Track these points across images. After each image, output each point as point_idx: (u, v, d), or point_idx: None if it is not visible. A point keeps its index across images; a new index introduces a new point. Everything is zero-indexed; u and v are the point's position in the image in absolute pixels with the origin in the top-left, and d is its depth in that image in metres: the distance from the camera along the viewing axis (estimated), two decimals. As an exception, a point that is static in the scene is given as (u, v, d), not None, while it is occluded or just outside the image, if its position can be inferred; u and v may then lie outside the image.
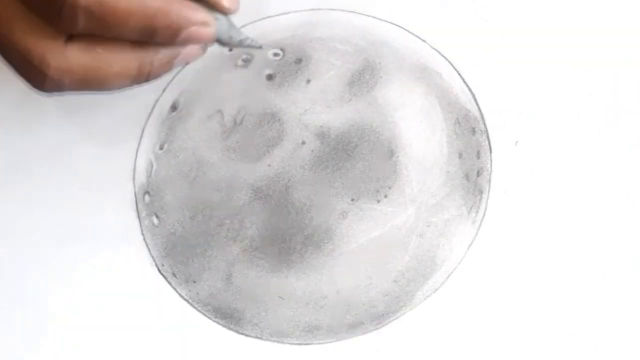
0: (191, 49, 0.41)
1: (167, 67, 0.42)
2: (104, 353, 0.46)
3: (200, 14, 0.40)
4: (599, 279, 0.46)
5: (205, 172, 0.48)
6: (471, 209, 0.47)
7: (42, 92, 0.41)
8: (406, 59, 0.48)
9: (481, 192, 0.47)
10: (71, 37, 0.40)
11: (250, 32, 0.48)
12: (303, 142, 0.48)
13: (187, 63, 0.42)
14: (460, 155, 0.47)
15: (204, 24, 0.40)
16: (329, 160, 0.47)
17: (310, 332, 0.46)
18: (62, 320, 0.47)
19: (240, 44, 0.42)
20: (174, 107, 0.49)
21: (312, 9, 0.49)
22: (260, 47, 0.43)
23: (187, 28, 0.39)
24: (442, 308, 0.46)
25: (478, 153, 0.47)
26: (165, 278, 0.47)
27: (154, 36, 0.39)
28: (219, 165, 0.48)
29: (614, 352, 0.45)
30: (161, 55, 0.41)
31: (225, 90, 0.48)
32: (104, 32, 0.39)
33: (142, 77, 0.41)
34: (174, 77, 0.49)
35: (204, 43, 0.41)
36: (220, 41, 0.41)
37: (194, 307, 0.47)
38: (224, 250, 0.47)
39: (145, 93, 0.48)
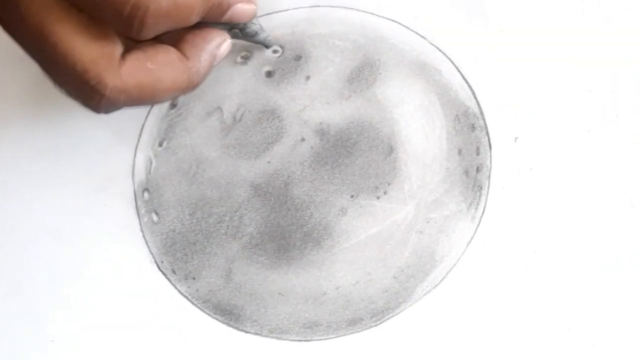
0: (225, 47, 0.43)
1: (208, 70, 0.43)
2: (103, 350, 0.46)
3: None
4: (597, 275, 0.46)
5: (204, 169, 0.48)
6: (470, 205, 0.47)
7: (96, 110, 0.40)
8: (405, 56, 0.48)
9: (481, 188, 0.47)
10: (123, 56, 0.40)
11: (250, 29, 0.49)
12: (302, 139, 0.48)
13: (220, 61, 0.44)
14: (459, 152, 0.47)
15: (249, 1, 0.43)
16: (329, 157, 0.47)
17: (310, 329, 0.46)
18: (61, 317, 0.47)
19: (261, 36, 0.46)
20: (173, 104, 0.49)
21: (311, 6, 0.49)
22: (269, 46, 0.48)
23: (235, 4, 0.42)
24: (442, 304, 0.46)
25: (477, 149, 0.47)
26: (165, 275, 0.47)
27: (207, 17, 0.41)
28: (218, 162, 0.48)
29: (611, 347, 0.45)
30: (204, 61, 0.42)
31: (224, 87, 0.48)
32: (172, 26, 0.39)
33: (191, 86, 0.42)
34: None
35: (246, 20, 0.44)
36: (246, 31, 0.45)
37: (193, 303, 0.47)
38: (223, 247, 0.47)
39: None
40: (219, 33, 0.43)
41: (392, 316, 0.46)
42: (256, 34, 0.46)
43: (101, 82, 0.38)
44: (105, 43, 0.39)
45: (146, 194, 0.48)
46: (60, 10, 0.38)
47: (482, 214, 0.47)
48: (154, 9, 0.37)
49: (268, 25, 0.48)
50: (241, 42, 0.48)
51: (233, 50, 0.49)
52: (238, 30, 0.45)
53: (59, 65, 0.38)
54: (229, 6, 0.42)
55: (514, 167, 0.47)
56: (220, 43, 0.43)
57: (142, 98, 0.40)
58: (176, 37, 0.42)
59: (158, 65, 0.40)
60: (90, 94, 0.39)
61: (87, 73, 0.38)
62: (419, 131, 0.47)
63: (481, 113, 0.48)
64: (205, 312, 0.47)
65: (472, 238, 0.47)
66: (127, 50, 0.40)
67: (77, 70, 0.38)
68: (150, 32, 0.38)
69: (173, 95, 0.42)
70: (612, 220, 0.46)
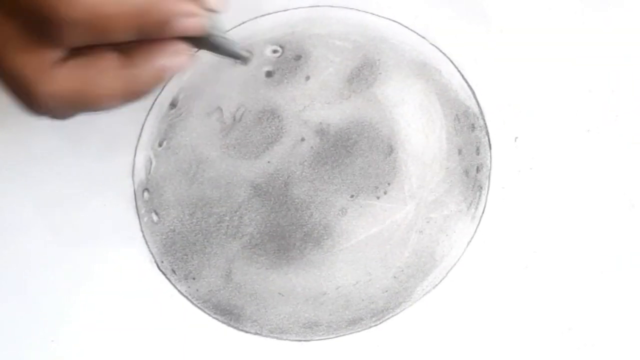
0: (179, 61, 0.40)
1: (154, 82, 0.41)
2: (103, 350, 0.46)
3: (188, 5, 0.39)
4: (597, 275, 0.46)
5: (204, 169, 0.48)
6: (470, 205, 0.47)
7: (34, 115, 0.41)
8: (405, 56, 0.48)
9: (481, 188, 0.47)
10: (59, 62, 0.39)
11: (249, 29, 0.49)
12: (302, 139, 0.48)
13: (174, 74, 0.41)
14: (459, 152, 0.47)
15: (193, 14, 0.39)
16: (329, 157, 0.47)
17: (310, 329, 0.46)
18: (61, 316, 0.47)
19: (230, 48, 0.41)
20: (173, 104, 0.49)
21: (311, 6, 0.49)
22: (246, 61, 0.42)
23: (176, 20, 0.39)
24: (442, 304, 0.46)
25: (477, 149, 0.47)
26: (165, 275, 0.47)
27: (145, 34, 0.39)
28: (218, 162, 0.48)
29: (611, 346, 0.45)
30: (144, 71, 0.40)
31: (224, 87, 0.48)
32: (97, 40, 0.38)
33: (131, 95, 0.40)
34: (173, 74, 0.49)
35: (194, 34, 0.40)
36: (210, 43, 0.40)
37: (193, 303, 0.47)
38: (223, 247, 0.47)
39: (144, 90, 0.48)
40: (173, 45, 0.40)
41: (392, 316, 0.46)
42: (219, 47, 0.41)
43: (32, 90, 0.39)
44: (38, 49, 0.38)
45: (146, 194, 0.48)
46: None
47: (482, 213, 0.47)
48: (71, 19, 0.37)
49: (266, 25, 0.48)
50: (241, 44, 0.48)
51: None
52: (204, 42, 0.40)
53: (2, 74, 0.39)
54: (166, 22, 0.39)
55: (514, 167, 0.47)
56: (173, 56, 0.40)
57: (79, 104, 0.40)
58: (132, 44, 0.41)
59: (97, 72, 0.39)
60: (24, 100, 0.39)
61: (17, 79, 0.39)
62: (419, 131, 0.47)
63: (481, 113, 0.48)
64: (205, 312, 0.46)
65: (472, 238, 0.47)
66: (70, 56, 0.39)
67: (9, 78, 0.39)
68: (70, 42, 0.38)
69: (114, 103, 0.40)
70: (612, 220, 0.46)
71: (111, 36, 0.39)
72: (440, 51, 0.48)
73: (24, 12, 0.38)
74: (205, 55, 0.43)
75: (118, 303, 0.47)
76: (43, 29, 0.38)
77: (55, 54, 0.39)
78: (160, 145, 0.48)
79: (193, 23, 0.40)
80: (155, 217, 0.48)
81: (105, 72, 0.40)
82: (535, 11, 0.48)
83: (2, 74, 0.39)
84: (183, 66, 0.40)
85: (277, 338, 0.46)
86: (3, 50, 0.38)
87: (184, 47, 0.40)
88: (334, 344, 0.46)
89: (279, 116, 0.48)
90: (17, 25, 0.38)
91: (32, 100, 0.39)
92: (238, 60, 0.42)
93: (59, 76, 0.39)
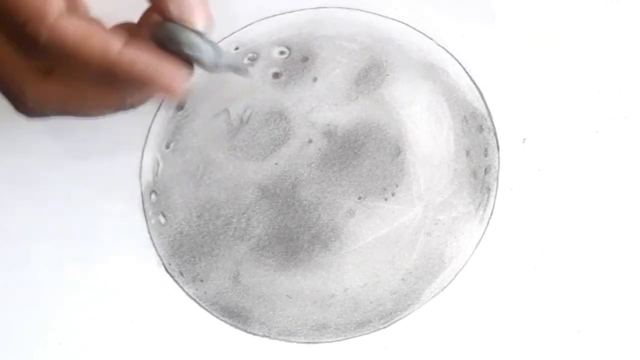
0: (176, 84, 0.39)
1: (144, 101, 0.40)
2: (110, 352, 0.46)
3: (168, 72, 0.38)
4: (605, 276, 0.46)
5: (211, 171, 0.48)
6: (479, 206, 0.47)
7: (25, 117, 0.41)
8: (413, 57, 0.48)
9: (489, 189, 0.47)
10: (50, 69, 0.39)
11: (256, 31, 0.48)
12: (310, 141, 0.47)
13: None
14: (467, 153, 0.47)
15: (171, 83, 0.38)
16: (336, 159, 0.47)
17: (318, 331, 0.46)
18: (68, 319, 0.47)
19: (228, 68, 0.40)
20: (180, 106, 0.49)
21: (318, 7, 0.49)
22: (246, 74, 0.42)
23: (152, 85, 0.38)
24: (450, 306, 0.46)
25: (485, 151, 0.47)
26: (172, 277, 0.47)
27: (117, 84, 0.38)
28: (225, 164, 0.48)
29: (620, 348, 0.45)
30: (136, 95, 0.40)
31: (231, 89, 0.48)
32: (67, 71, 0.39)
33: (122, 108, 0.40)
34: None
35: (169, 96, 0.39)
36: (208, 69, 0.39)
37: (201, 306, 0.47)
38: (231, 249, 0.47)
39: (151, 92, 0.48)
40: (172, 67, 0.38)
41: (401, 318, 0.46)
42: (225, 68, 0.40)
43: (22, 94, 0.39)
44: (25, 58, 0.39)
45: (153, 196, 0.48)
46: None
47: (491, 215, 0.47)
48: (44, 42, 0.37)
49: (273, 27, 0.48)
50: (247, 46, 0.48)
51: (240, 52, 0.49)
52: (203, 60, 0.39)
53: None
54: (141, 85, 0.38)
55: (522, 169, 0.47)
56: (172, 77, 0.38)
57: (68, 110, 0.40)
58: None
59: (85, 85, 0.39)
60: (15, 103, 0.40)
61: (9, 84, 0.39)
62: (426, 132, 0.47)
63: (489, 114, 0.48)
64: (213, 314, 0.46)
65: (480, 240, 0.46)
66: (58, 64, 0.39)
67: (3, 80, 0.39)
68: (49, 59, 0.38)
69: (104, 113, 0.40)
70: (621, 222, 0.46)
71: (80, 72, 0.38)
72: (448, 52, 0.48)
73: (8, 23, 0.38)
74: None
75: (125, 305, 0.47)
76: (25, 43, 0.38)
77: (43, 63, 0.39)
78: (167, 147, 0.48)
79: (170, 91, 0.38)
80: (162, 219, 0.47)
81: (95, 86, 0.39)
82: (542, 12, 0.48)
83: None
84: (179, 89, 0.39)
85: (285, 340, 0.46)
86: None
87: (182, 70, 0.39)
88: (342, 346, 0.46)
89: (286, 118, 0.48)
90: (3, 33, 0.39)
91: (21, 105, 0.40)
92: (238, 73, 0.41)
93: (47, 85, 0.39)
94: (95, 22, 0.38)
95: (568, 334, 0.45)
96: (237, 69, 0.41)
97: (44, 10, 0.37)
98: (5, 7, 0.37)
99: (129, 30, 0.39)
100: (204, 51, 0.38)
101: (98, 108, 0.40)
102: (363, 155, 0.47)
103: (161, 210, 0.48)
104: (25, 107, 0.40)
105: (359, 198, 0.47)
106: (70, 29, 0.37)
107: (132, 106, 0.40)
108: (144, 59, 0.38)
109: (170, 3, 0.38)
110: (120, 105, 0.40)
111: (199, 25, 0.38)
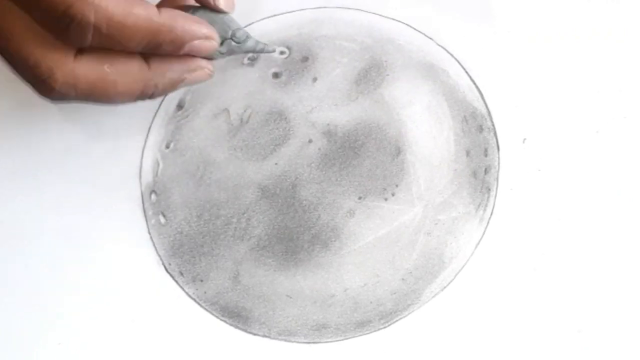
0: (196, 75, 0.43)
1: (171, 88, 0.43)
2: (110, 352, 0.46)
3: (203, 28, 0.41)
4: (605, 276, 0.46)
5: (211, 171, 0.48)
6: (479, 206, 0.47)
7: (47, 99, 0.42)
8: (413, 57, 0.48)
9: (489, 189, 0.47)
10: (80, 52, 0.40)
11: (256, 31, 0.48)
12: (310, 141, 0.47)
13: (192, 84, 0.44)
14: (467, 153, 0.47)
15: (207, 37, 0.42)
16: (336, 159, 0.47)
17: (318, 331, 0.46)
18: (68, 319, 0.47)
19: (252, 49, 0.44)
20: (180, 106, 0.49)
21: (318, 7, 0.49)
22: (273, 51, 0.47)
23: (191, 42, 0.41)
24: (450, 306, 0.46)
25: (485, 151, 0.47)
26: (172, 277, 0.47)
27: (159, 49, 0.41)
28: (225, 164, 0.48)
29: (620, 348, 0.45)
30: (166, 79, 0.42)
31: (231, 89, 0.48)
32: (111, 46, 0.40)
33: (146, 95, 0.43)
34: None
35: (207, 55, 0.43)
36: (230, 46, 0.43)
37: (201, 306, 0.47)
38: (231, 249, 0.47)
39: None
40: (194, 62, 0.43)
41: (401, 318, 0.46)
42: (246, 44, 0.44)
43: (52, 77, 0.40)
44: (56, 42, 0.39)
45: (153, 196, 0.48)
46: (15, 6, 0.39)
47: (491, 215, 0.47)
48: (86, 23, 0.38)
49: (273, 27, 0.48)
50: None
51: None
52: (231, 42, 0.44)
53: (14, 56, 0.40)
54: (183, 43, 0.41)
55: (522, 169, 0.47)
56: (194, 69, 0.43)
57: (93, 96, 0.41)
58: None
59: (115, 69, 0.41)
60: (41, 86, 0.40)
61: (38, 67, 0.39)
62: (426, 132, 0.47)
63: (489, 114, 0.48)
64: (213, 314, 0.46)
65: (480, 240, 0.46)
66: (90, 48, 0.40)
67: (30, 64, 0.40)
68: (85, 43, 0.39)
69: (128, 100, 0.42)
70: (621, 222, 0.46)
71: (122, 45, 0.40)
72: (448, 52, 0.48)
73: (42, 7, 0.38)
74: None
75: (125, 305, 0.47)
76: (61, 27, 0.38)
77: (73, 47, 0.40)
78: (167, 147, 0.48)
79: (206, 46, 0.42)
80: (162, 219, 0.47)
81: (123, 72, 0.41)
82: (542, 12, 0.48)
83: (18, 62, 0.40)
84: (201, 80, 0.43)
85: (285, 340, 0.46)
86: (21, 40, 0.39)
87: (204, 63, 0.43)
88: (342, 346, 0.46)
89: (286, 118, 0.48)
90: (35, 17, 0.39)
91: (47, 87, 0.40)
92: (261, 53, 0.46)
93: (78, 69, 0.40)
94: None
95: (568, 334, 0.45)
96: (260, 49, 0.45)
97: None
98: None
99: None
100: (232, 32, 0.43)
101: (124, 95, 0.42)
102: (363, 155, 0.47)
103: (161, 210, 0.48)
104: (52, 89, 0.40)
105: (359, 198, 0.47)
106: (113, 3, 0.38)
107: (157, 95, 0.43)
108: (182, 19, 0.41)
109: None
110: (146, 90, 0.42)
111: (222, 5, 0.42)
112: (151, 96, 0.43)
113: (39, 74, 0.40)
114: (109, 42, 0.39)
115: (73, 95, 0.41)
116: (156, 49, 0.41)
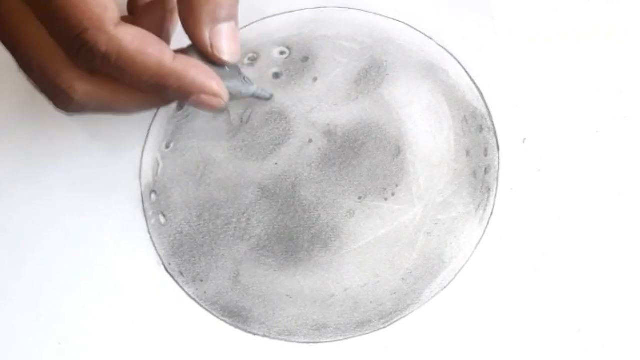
0: (208, 101, 0.41)
1: (180, 102, 0.43)
2: (110, 352, 0.46)
3: (213, 85, 0.40)
4: (606, 276, 0.46)
5: (211, 171, 0.48)
6: (479, 206, 0.47)
7: (63, 112, 0.41)
8: (413, 57, 0.48)
9: (489, 189, 0.47)
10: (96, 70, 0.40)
11: (257, 30, 0.49)
12: (310, 140, 0.47)
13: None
14: (467, 153, 0.47)
15: (215, 94, 0.41)
16: (336, 158, 0.47)
17: (318, 331, 0.46)
18: (68, 319, 0.47)
19: (252, 96, 0.44)
20: (180, 106, 0.49)
21: (318, 7, 0.49)
22: (269, 98, 0.47)
23: (197, 94, 0.40)
24: (450, 306, 0.46)
25: (485, 150, 0.47)
26: (172, 277, 0.47)
27: (164, 93, 0.40)
28: (225, 163, 0.48)
29: (620, 348, 0.45)
30: (181, 95, 0.41)
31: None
32: (117, 77, 0.39)
33: (154, 108, 0.44)
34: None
35: (210, 111, 0.42)
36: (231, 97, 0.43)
37: (201, 306, 0.47)
38: (231, 249, 0.47)
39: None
40: (218, 80, 0.41)
41: (401, 318, 0.46)
42: (248, 96, 0.44)
43: (72, 87, 0.39)
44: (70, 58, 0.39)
45: (153, 196, 0.48)
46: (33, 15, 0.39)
47: (491, 215, 0.47)
48: (94, 49, 0.38)
49: (273, 27, 0.48)
50: (247, 46, 0.49)
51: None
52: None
53: (32, 66, 0.39)
54: (189, 94, 0.40)
55: (523, 168, 0.47)
56: (207, 94, 0.41)
57: (112, 107, 0.41)
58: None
59: (126, 89, 0.40)
60: (60, 97, 0.40)
61: (58, 77, 0.39)
62: (426, 132, 0.47)
63: (489, 114, 0.48)
64: (213, 314, 0.46)
65: (480, 240, 0.46)
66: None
67: (49, 74, 0.39)
68: (89, 68, 0.39)
69: (144, 110, 0.42)
70: (621, 221, 0.46)
71: (128, 80, 0.39)
72: (448, 52, 0.48)
73: (58, 24, 0.38)
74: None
75: (125, 305, 0.47)
76: (72, 48, 0.38)
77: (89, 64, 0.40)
78: (167, 147, 0.48)
79: (211, 103, 0.41)
80: (162, 219, 0.47)
81: (134, 92, 0.40)
82: (542, 12, 0.48)
83: (38, 73, 0.40)
84: (211, 106, 0.42)
85: (285, 340, 0.46)
86: (41, 51, 0.39)
87: (219, 91, 0.41)
88: (342, 346, 0.46)
89: (286, 118, 0.48)
90: (49, 31, 0.39)
91: (65, 99, 0.40)
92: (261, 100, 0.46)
93: (96, 82, 0.39)
94: (147, 31, 0.39)
95: (568, 334, 0.45)
96: (262, 96, 0.45)
97: (103, 19, 0.37)
98: (59, 14, 0.37)
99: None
100: (234, 84, 0.42)
101: (136, 110, 0.42)
102: (363, 155, 0.47)
103: (161, 210, 0.48)
104: (69, 101, 0.40)
105: (359, 198, 0.47)
106: (128, 38, 0.38)
107: (170, 103, 0.43)
108: (194, 70, 0.40)
109: (203, 32, 0.40)
110: (162, 104, 0.42)
111: (226, 57, 0.41)
112: (159, 108, 0.43)
113: (59, 83, 0.39)
114: (116, 74, 0.39)
115: (92, 106, 0.40)
116: (162, 92, 0.40)
